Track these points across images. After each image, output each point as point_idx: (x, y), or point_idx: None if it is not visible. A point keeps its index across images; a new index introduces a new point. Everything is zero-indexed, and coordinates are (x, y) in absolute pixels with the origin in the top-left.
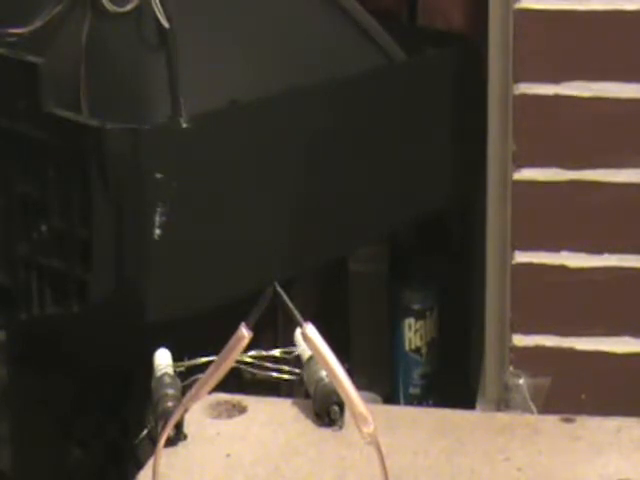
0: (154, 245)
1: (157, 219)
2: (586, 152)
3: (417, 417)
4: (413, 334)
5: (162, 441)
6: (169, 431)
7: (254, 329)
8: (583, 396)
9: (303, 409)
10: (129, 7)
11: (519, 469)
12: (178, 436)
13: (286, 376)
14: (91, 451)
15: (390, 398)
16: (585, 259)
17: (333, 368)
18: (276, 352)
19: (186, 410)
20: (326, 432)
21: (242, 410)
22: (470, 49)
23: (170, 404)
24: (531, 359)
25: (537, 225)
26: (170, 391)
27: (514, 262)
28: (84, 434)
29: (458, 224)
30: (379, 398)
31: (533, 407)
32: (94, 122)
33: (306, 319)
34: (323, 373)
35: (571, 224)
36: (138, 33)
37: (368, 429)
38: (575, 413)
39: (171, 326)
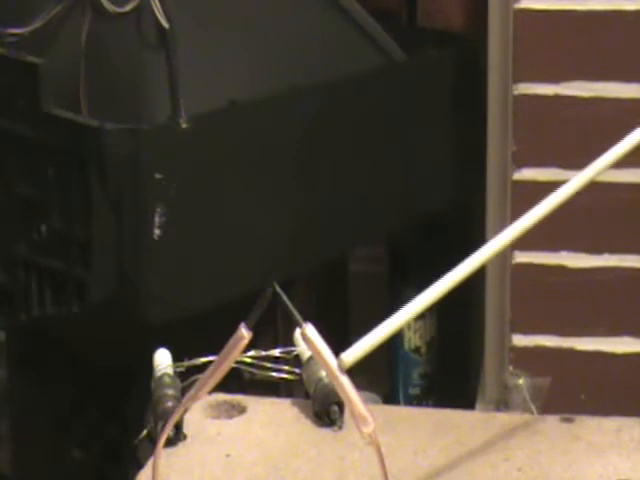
0: (154, 245)
1: (157, 219)
2: (586, 152)
3: (417, 417)
4: (413, 334)
5: (162, 441)
6: (169, 431)
7: (254, 329)
8: (583, 396)
9: (303, 409)
10: (129, 7)
11: (519, 469)
12: (178, 436)
13: (286, 376)
14: (91, 451)
15: (390, 398)
16: (585, 259)
17: (333, 368)
18: (276, 352)
19: (186, 410)
20: (326, 432)
21: (242, 410)
22: (470, 49)
23: (170, 404)
24: (531, 359)
25: (537, 225)
26: (170, 391)
27: (514, 262)
28: (84, 434)
29: (458, 224)
30: (379, 398)
31: (533, 407)
32: (94, 122)
33: (306, 319)
34: (323, 373)
35: (571, 224)
36: (138, 33)
37: (368, 429)
38: (575, 413)
39: (171, 326)
